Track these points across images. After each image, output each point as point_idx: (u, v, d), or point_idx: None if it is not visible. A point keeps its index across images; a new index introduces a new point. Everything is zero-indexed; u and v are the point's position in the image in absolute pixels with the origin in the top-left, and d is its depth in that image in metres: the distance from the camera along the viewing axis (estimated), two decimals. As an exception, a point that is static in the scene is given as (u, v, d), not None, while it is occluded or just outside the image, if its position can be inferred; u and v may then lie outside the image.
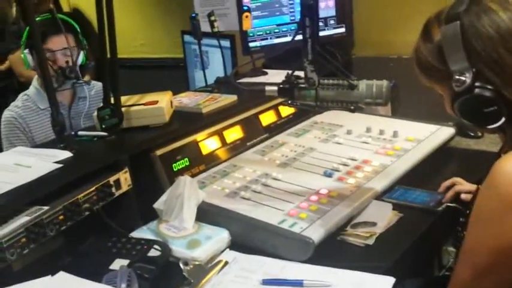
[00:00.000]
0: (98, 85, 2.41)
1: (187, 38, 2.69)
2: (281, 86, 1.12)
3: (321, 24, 2.36)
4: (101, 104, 1.46)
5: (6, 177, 1.18)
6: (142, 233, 1.28)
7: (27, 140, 2.18)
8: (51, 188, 1.13)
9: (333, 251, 1.15)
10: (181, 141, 1.49)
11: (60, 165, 1.21)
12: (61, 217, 1.09)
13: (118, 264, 1.09)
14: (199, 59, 2.36)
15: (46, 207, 1.09)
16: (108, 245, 1.19)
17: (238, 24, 2.23)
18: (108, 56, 1.43)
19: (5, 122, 2.17)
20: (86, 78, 2.34)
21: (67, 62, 2.11)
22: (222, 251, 1.22)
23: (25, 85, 2.71)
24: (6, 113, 2.19)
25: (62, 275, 0.89)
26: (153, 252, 1.17)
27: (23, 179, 1.16)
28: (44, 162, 1.24)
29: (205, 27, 2.24)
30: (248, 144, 1.67)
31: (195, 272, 1.14)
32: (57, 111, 1.34)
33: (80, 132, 1.46)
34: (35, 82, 2.29)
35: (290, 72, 1.18)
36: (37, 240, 1.04)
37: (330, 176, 1.44)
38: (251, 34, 2.31)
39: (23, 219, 1.04)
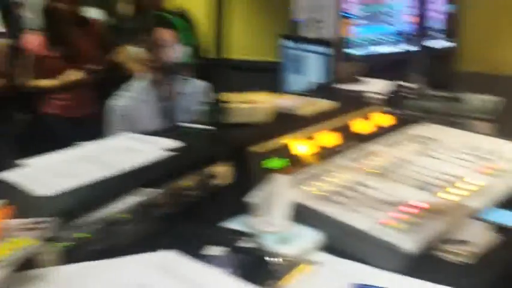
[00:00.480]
0: (196, 82, 2.53)
1: (285, 42, 2.75)
2: (388, 94, 1.14)
3: (430, 34, 2.32)
4: (200, 101, 1.54)
5: (119, 159, 1.28)
6: (235, 224, 1.33)
7: (130, 129, 2.32)
8: (159, 173, 1.22)
9: (425, 265, 1.14)
10: (277, 140, 1.54)
11: (169, 153, 1.29)
12: (166, 201, 1.17)
13: (211, 250, 1.14)
14: (296, 63, 2.41)
15: (154, 190, 1.17)
16: (202, 232, 1.25)
17: (337, 31, 2.26)
18: (216, 56, 1.50)
19: (113, 110, 2.33)
20: (186, 74, 2.46)
21: (170, 57, 2.24)
22: (312, 252, 1.25)
23: (129, 77, 2.89)
24: (112, 103, 2.35)
25: (167, 253, 0.96)
26: (244, 244, 1.22)
27: (134, 162, 1.25)
28: (154, 148, 1.33)
29: (304, 32, 2.28)
30: (342, 150, 1.69)
31: (282, 268, 1.17)
32: (169, 103, 1.43)
33: (186, 124, 1.55)
34: (139, 75, 2.44)
35: (396, 81, 1.18)
36: (144, 220, 1.13)
37: (424, 189, 1.43)
38: (351, 41, 2.33)
39: (133, 199, 1.13)
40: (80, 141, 1.63)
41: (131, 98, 2.39)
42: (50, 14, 2.99)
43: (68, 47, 2.99)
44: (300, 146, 1.59)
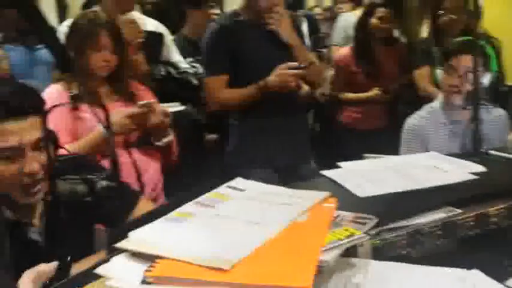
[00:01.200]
0: (496, 110, 2.43)
1: None
2: None
3: None
4: (500, 129, 1.50)
5: (424, 174, 1.36)
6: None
7: (422, 149, 2.38)
8: (464, 195, 1.25)
9: None
10: None
11: (475, 177, 1.32)
12: (472, 223, 1.20)
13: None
14: None
15: (459, 210, 1.21)
16: (507, 263, 1.23)
17: None
18: None
19: (407, 129, 2.42)
20: (486, 101, 2.37)
21: (474, 84, 2.21)
22: None
23: (423, 98, 2.95)
24: (410, 121, 2.44)
25: (475, 272, 0.99)
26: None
27: (440, 180, 1.31)
28: (459, 170, 1.37)
29: None
30: None
31: None
32: (465, 128, 1.45)
33: (492, 152, 1.54)
34: (440, 97, 2.46)
35: None
36: (447, 237, 1.18)
37: None
38: None
39: (439, 215, 1.19)
40: (368, 153, 1.76)
41: (426, 118, 2.44)
42: (362, 30, 3.25)
43: (373, 64, 3.20)
44: None
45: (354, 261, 1.03)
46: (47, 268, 1.09)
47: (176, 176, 2.49)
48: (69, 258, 1.11)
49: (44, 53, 2.52)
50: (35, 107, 1.33)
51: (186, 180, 2.65)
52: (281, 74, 2.35)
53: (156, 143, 2.15)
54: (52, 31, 2.13)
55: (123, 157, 2.04)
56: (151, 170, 2.16)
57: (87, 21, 2.03)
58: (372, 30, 3.24)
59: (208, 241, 0.97)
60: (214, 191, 1.24)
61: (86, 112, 1.98)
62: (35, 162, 1.28)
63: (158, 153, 2.21)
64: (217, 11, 3.22)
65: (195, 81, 2.77)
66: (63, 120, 1.94)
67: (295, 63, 2.37)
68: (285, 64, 2.35)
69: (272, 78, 2.34)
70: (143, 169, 2.12)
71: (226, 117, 2.53)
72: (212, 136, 2.90)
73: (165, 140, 2.15)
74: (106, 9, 2.44)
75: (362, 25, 3.27)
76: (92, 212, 1.41)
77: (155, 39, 2.75)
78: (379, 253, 1.11)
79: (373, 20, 3.23)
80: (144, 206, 1.59)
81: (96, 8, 2.50)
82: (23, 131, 1.27)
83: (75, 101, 1.94)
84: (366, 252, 1.08)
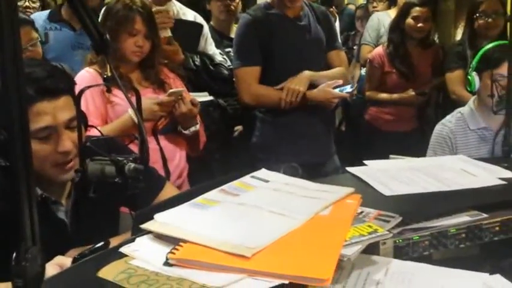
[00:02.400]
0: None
1: None
2: None
3: None
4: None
5: (453, 177, 1.34)
6: None
7: (451, 154, 2.34)
8: (491, 200, 1.24)
9: None
10: None
11: (503, 182, 1.30)
12: (497, 228, 1.19)
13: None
14: None
15: (485, 215, 1.20)
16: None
17: None
18: None
19: (437, 134, 2.39)
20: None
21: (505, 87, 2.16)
22: None
23: (455, 101, 2.91)
24: (439, 127, 2.41)
25: (498, 277, 0.98)
26: None
27: (467, 184, 1.30)
28: (488, 175, 1.35)
29: None
30: None
31: None
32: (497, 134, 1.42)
33: (523, 159, 1.51)
34: (471, 102, 2.42)
35: None
36: (470, 240, 1.17)
37: None
38: None
39: (464, 218, 1.18)
40: (394, 154, 1.75)
41: (456, 123, 2.41)
42: (397, 30, 3.21)
43: (407, 65, 3.17)
44: None
45: (375, 259, 1.03)
46: (65, 261, 1.12)
47: (202, 165, 2.51)
48: (104, 242, 1.14)
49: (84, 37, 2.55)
50: (67, 87, 1.36)
51: (212, 170, 2.67)
52: (326, 91, 2.35)
53: (183, 131, 2.17)
54: (90, 14, 2.17)
55: (150, 143, 2.06)
56: (177, 157, 2.19)
57: (122, 6, 2.05)
58: (408, 30, 3.20)
59: (232, 228, 0.99)
60: (239, 180, 1.25)
61: (117, 96, 2.01)
62: (68, 141, 1.31)
63: (185, 142, 2.23)
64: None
65: (226, 73, 2.78)
66: (95, 103, 1.98)
67: (339, 81, 2.38)
68: (333, 81, 2.36)
69: (315, 93, 2.35)
70: (169, 156, 2.14)
71: (253, 109, 2.54)
72: (238, 127, 2.92)
73: (192, 129, 2.17)
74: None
75: (398, 25, 3.23)
76: (119, 194, 1.43)
77: (194, 29, 2.76)
78: (401, 252, 1.11)
79: (409, 20, 3.20)
80: (169, 192, 1.61)
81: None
82: (56, 110, 1.30)
83: (107, 84, 1.97)
84: (388, 251, 1.07)
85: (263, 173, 1.31)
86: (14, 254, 0.77)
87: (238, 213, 1.05)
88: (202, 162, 2.53)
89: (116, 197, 1.47)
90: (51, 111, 1.31)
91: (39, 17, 2.67)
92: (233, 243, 0.92)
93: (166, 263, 0.92)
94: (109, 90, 1.71)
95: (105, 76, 1.74)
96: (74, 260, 1.09)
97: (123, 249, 0.98)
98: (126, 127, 1.97)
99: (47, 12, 2.75)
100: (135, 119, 1.97)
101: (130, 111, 1.96)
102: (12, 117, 0.75)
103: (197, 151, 2.29)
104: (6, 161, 1.27)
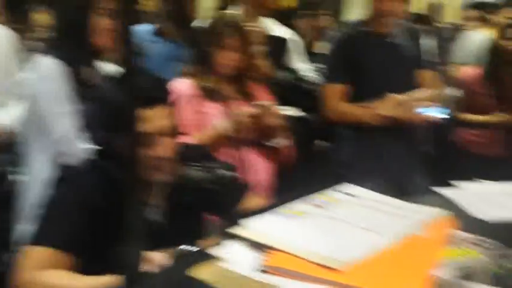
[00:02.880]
0: None
1: None
2: None
3: None
4: None
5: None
6: None
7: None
8: None
9: None
10: None
11: None
12: None
13: None
14: None
15: None
16: None
17: None
18: None
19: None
20: None
21: None
22: None
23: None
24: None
25: None
26: None
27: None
28: None
29: None
30: None
31: None
32: None
33: None
34: None
35: None
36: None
37: None
38: None
39: None
40: (485, 178, 1.68)
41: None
42: (493, 51, 3.09)
43: (501, 87, 3.04)
44: None
45: (471, 285, 1.00)
46: (161, 258, 1.19)
47: (285, 179, 2.54)
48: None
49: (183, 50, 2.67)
50: (165, 96, 1.46)
51: (294, 183, 2.69)
52: (408, 110, 2.33)
53: (268, 144, 2.22)
54: (191, 28, 2.30)
55: (237, 154, 2.12)
56: (263, 169, 2.23)
57: (222, 22, 2.16)
58: (504, 51, 3.07)
59: (323, 240, 1.00)
60: (324, 193, 1.26)
61: (210, 107, 2.10)
62: (164, 147, 1.40)
63: (271, 154, 2.27)
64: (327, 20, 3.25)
65: (311, 89, 2.81)
66: (188, 112, 2.07)
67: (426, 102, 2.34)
68: (418, 98, 2.33)
69: (401, 114, 2.33)
70: (255, 168, 2.19)
71: (336, 124, 2.54)
72: (322, 142, 2.92)
73: (276, 141, 2.21)
74: (243, 12, 2.58)
75: (494, 46, 3.11)
76: (208, 199, 1.49)
77: (278, 44, 2.83)
78: (500, 281, 1.05)
79: (505, 42, 3.07)
80: (255, 202, 1.65)
81: (232, 9, 2.63)
82: (154, 118, 1.39)
83: (203, 95, 2.07)
84: (485, 278, 1.03)
85: (347, 187, 1.31)
86: (116, 246, 0.83)
87: (328, 226, 1.07)
88: (285, 176, 2.56)
89: (207, 201, 1.54)
90: (150, 119, 1.40)
91: (144, 29, 2.82)
92: (325, 255, 0.93)
93: (258, 269, 0.95)
94: (202, 101, 1.79)
95: (203, 87, 1.83)
96: (171, 256, 1.15)
97: (213, 252, 1.03)
98: (216, 137, 2.04)
99: (150, 26, 2.90)
100: (225, 130, 2.05)
101: (221, 122, 2.04)
102: (124, 123, 0.82)
103: (283, 164, 2.32)
104: (112, 163, 1.37)
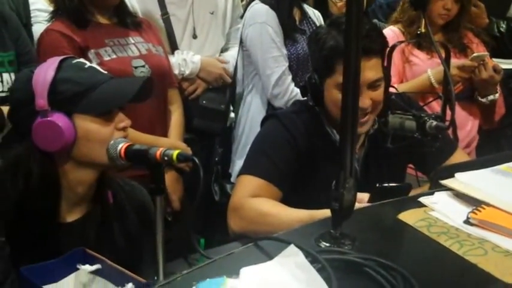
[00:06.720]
0: None
1: None
2: None
3: None
4: None
5: None
6: None
7: None
8: None
9: None
10: None
11: None
12: None
13: None
14: None
15: None
16: None
17: None
18: None
19: None
20: None
21: None
22: None
23: None
24: None
25: None
26: None
27: None
28: None
29: None
30: None
31: None
32: None
33: None
34: None
35: None
36: None
37: None
38: None
39: None
40: None
41: None
42: None
43: None
44: None
45: None
46: (363, 197, 1.21)
47: (491, 139, 2.36)
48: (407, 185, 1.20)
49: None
50: (380, 48, 1.42)
51: (501, 146, 2.48)
52: None
53: (480, 100, 2.07)
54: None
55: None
56: (469, 126, 2.10)
57: None
58: None
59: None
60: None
61: (417, 56, 2.02)
62: (367, 99, 1.38)
63: (479, 111, 2.12)
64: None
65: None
66: (394, 61, 2.02)
67: None
68: None
69: None
70: (460, 124, 2.07)
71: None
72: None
73: (490, 97, 2.05)
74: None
75: None
76: (411, 150, 1.46)
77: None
78: None
79: None
80: (459, 157, 1.57)
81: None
82: (365, 69, 1.36)
83: (414, 44, 2.00)
84: None
85: None
86: (334, 182, 0.87)
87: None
88: (492, 136, 2.38)
89: (408, 152, 1.51)
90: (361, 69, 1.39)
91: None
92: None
93: (467, 222, 0.92)
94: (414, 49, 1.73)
95: (418, 33, 1.77)
96: (375, 189, 1.17)
97: (422, 200, 1.02)
98: (423, 87, 1.98)
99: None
100: (433, 80, 1.96)
101: (430, 72, 1.96)
102: (348, 70, 0.85)
103: (492, 123, 2.16)
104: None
